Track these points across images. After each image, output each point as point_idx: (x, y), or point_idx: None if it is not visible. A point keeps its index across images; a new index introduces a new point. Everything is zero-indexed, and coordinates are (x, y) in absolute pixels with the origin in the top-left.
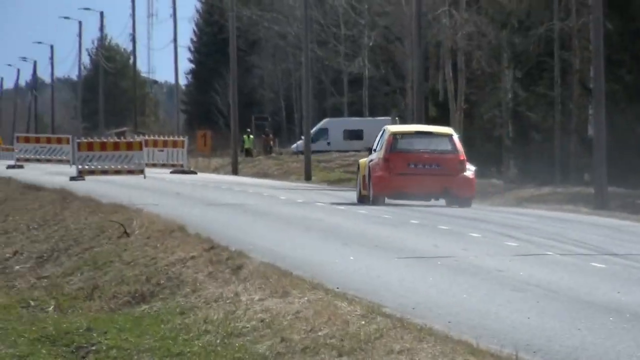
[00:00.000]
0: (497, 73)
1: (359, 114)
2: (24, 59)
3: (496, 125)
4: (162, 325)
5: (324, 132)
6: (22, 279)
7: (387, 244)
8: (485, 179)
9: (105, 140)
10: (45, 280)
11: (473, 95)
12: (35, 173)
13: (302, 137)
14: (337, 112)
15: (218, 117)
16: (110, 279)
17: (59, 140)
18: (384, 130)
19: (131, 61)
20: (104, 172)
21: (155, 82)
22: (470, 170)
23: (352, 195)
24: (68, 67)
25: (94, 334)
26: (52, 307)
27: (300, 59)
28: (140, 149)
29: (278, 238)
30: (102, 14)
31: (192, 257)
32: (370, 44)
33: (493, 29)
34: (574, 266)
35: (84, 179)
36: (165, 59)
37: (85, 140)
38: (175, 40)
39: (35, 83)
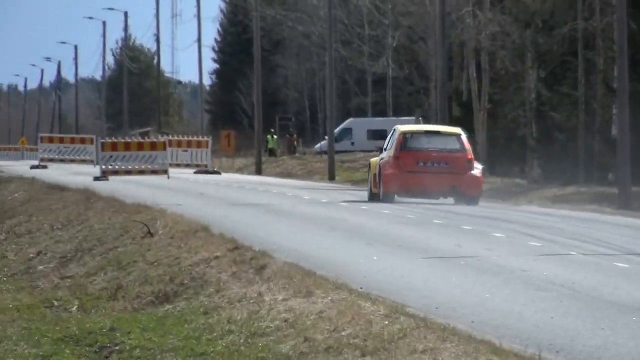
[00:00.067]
0: (520, 73)
1: (383, 114)
2: (48, 59)
3: (520, 125)
4: (186, 325)
5: (347, 132)
6: (45, 279)
7: (410, 243)
8: (509, 179)
9: (129, 140)
10: (69, 280)
11: (497, 95)
12: (59, 173)
13: (326, 137)
14: (361, 112)
15: (242, 117)
16: (133, 278)
17: (83, 141)
18: (394, 129)
19: (155, 61)
20: (128, 172)
21: (179, 82)
22: (477, 168)
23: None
24: (92, 67)
25: (118, 334)
26: (75, 307)
27: (324, 59)
28: (164, 149)
29: (302, 238)
30: (126, 14)
31: (216, 257)
32: (394, 43)
33: (517, 28)
34: (597, 266)
35: (107, 179)
36: (189, 59)
37: (109, 140)
38: (199, 40)
39: (59, 83)
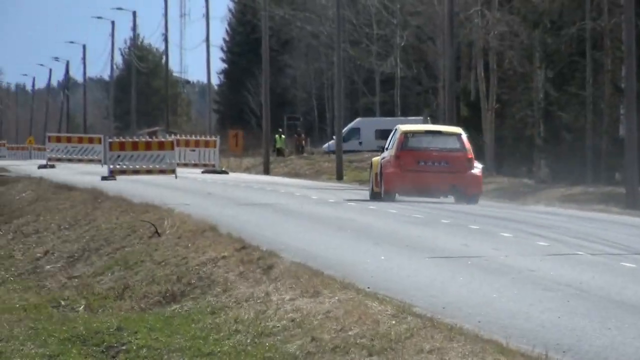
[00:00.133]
0: (528, 73)
1: (391, 113)
2: (56, 58)
3: (527, 125)
4: (193, 325)
5: (355, 131)
6: (53, 279)
7: (417, 243)
8: (517, 179)
9: (137, 140)
10: (76, 279)
11: (505, 94)
12: (67, 173)
13: (334, 137)
14: (369, 112)
15: (250, 116)
16: (141, 278)
17: (91, 140)
18: (396, 129)
19: (163, 61)
20: (136, 171)
21: (188, 81)
22: (477, 168)
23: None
24: (100, 67)
25: (125, 334)
26: (82, 307)
27: (332, 59)
28: (172, 148)
29: (309, 238)
30: (134, 13)
31: (223, 257)
32: (403, 43)
33: (525, 28)
34: (604, 266)
35: (115, 179)
36: (197, 58)
37: (117, 139)
38: (207, 39)
39: (68, 83)
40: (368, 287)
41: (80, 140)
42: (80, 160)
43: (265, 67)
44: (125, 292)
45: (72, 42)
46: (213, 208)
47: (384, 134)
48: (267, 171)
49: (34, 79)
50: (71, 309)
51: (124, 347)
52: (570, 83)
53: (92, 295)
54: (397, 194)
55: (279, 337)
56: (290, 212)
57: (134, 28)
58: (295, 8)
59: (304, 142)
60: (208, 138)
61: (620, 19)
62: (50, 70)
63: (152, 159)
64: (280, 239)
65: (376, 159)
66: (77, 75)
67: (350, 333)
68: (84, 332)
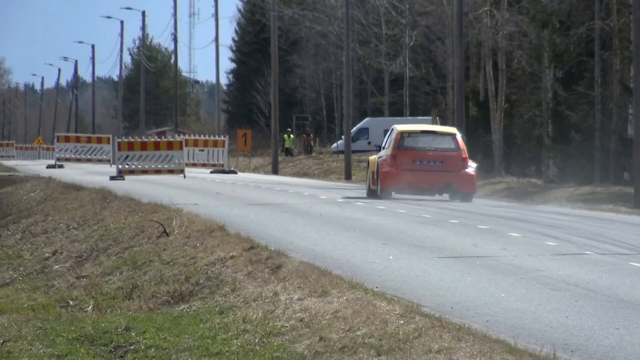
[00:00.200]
0: (537, 73)
1: (400, 113)
2: (65, 58)
3: (536, 124)
4: (201, 325)
5: (364, 131)
6: (61, 279)
7: (426, 243)
8: (525, 178)
9: (145, 139)
10: (85, 279)
11: (513, 94)
12: (75, 172)
13: (343, 137)
14: (377, 112)
15: (259, 116)
16: (149, 278)
17: (99, 140)
18: (392, 129)
19: (172, 61)
20: (144, 171)
21: (197, 81)
22: (471, 167)
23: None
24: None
25: (133, 334)
26: (91, 307)
27: (341, 59)
28: (181, 148)
29: (318, 237)
30: (143, 13)
31: (232, 257)
32: (412, 43)
33: (534, 28)
34: (612, 266)
35: (124, 179)
36: (206, 58)
37: (126, 139)
38: (216, 39)
39: (76, 83)
40: (376, 287)
41: (89, 140)
42: (88, 160)
43: (274, 67)
44: (133, 292)
45: (81, 42)
46: (221, 208)
47: None
48: (275, 171)
49: (42, 78)
50: (79, 308)
51: (132, 347)
52: (578, 83)
53: (101, 295)
54: (393, 192)
55: (287, 337)
56: (299, 212)
57: (143, 28)
58: (304, 8)
59: (312, 142)
60: (217, 138)
61: (629, 18)
62: (59, 70)
63: (161, 158)
64: (288, 239)
65: (373, 157)
66: (85, 75)
67: (358, 333)
68: (92, 332)
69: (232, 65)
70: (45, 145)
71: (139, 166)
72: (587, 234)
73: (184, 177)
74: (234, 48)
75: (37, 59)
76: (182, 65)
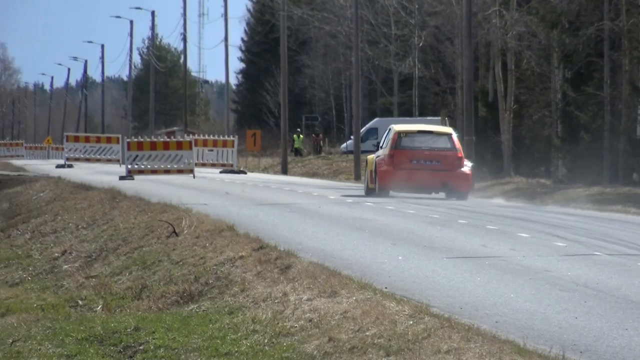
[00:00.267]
0: (546, 73)
1: (409, 114)
2: (75, 58)
3: (545, 125)
4: (210, 325)
5: (373, 131)
6: (70, 279)
7: (435, 243)
8: (534, 179)
9: (155, 139)
10: (94, 279)
11: (522, 95)
12: (85, 172)
13: (352, 137)
14: (387, 112)
15: (268, 116)
16: (158, 278)
17: (109, 140)
18: (390, 129)
19: (182, 60)
20: (154, 171)
21: (206, 81)
22: (467, 166)
23: (403, 195)
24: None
25: (142, 334)
26: (100, 307)
27: (350, 59)
28: (190, 148)
29: (327, 238)
30: (153, 13)
31: (241, 257)
32: (421, 43)
33: (543, 29)
34: (622, 266)
35: (133, 179)
36: (216, 58)
37: (135, 139)
38: (226, 39)
39: (86, 82)
40: (385, 287)
41: (98, 139)
42: (98, 160)
43: (284, 67)
44: (142, 292)
45: (90, 42)
46: (231, 208)
47: None
48: (285, 171)
49: (52, 78)
50: (89, 308)
51: (141, 347)
52: (588, 83)
53: (110, 295)
54: (390, 191)
55: (296, 337)
56: (308, 212)
57: (153, 28)
58: (314, 8)
59: (321, 142)
60: (226, 138)
61: (638, 19)
62: (69, 69)
63: (170, 158)
64: (297, 239)
65: (371, 157)
66: (95, 74)
67: (367, 333)
68: (101, 332)
69: (242, 65)
70: (54, 145)
71: (149, 166)
72: (596, 235)
73: (194, 177)
74: (243, 48)
75: (47, 58)
76: (192, 65)
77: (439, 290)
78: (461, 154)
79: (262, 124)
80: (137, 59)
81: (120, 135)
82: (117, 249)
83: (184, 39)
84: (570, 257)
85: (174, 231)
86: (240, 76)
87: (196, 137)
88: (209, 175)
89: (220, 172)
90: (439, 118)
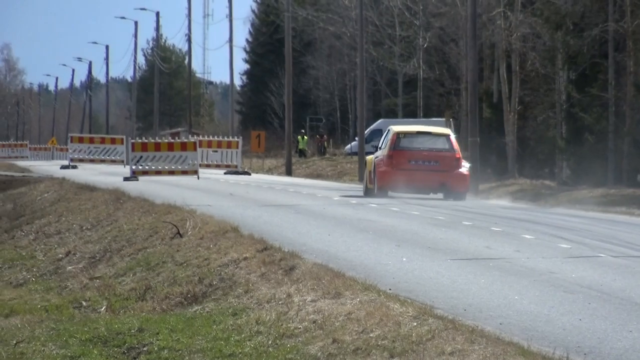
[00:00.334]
0: (551, 74)
1: (414, 115)
2: (79, 59)
3: (550, 126)
4: (214, 326)
5: (378, 133)
6: (74, 280)
7: (440, 245)
8: (539, 180)
9: (159, 140)
10: (98, 280)
11: (527, 96)
12: (89, 173)
13: (356, 138)
14: (391, 113)
15: (273, 117)
16: (162, 279)
17: (113, 141)
18: (389, 130)
19: (186, 61)
20: (158, 172)
21: (210, 82)
22: (465, 167)
23: (402, 196)
24: (123, 67)
25: (146, 335)
26: (104, 308)
27: (355, 60)
28: (195, 149)
29: (331, 239)
30: (157, 14)
31: (245, 258)
32: (425, 45)
33: (547, 30)
34: (626, 268)
35: (137, 180)
36: (220, 59)
37: (140, 140)
38: (230, 40)
39: (90, 83)
40: (389, 289)
41: (103, 140)
42: (102, 161)
43: (288, 68)
44: (146, 293)
45: (95, 43)
46: (235, 209)
47: None
48: (289, 172)
49: (56, 79)
50: (93, 309)
51: (145, 348)
52: (592, 85)
53: (114, 296)
54: (389, 191)
55: (300, 339)
56: (312, 213)
57: (157, 28)
58: (318, 9)
59: (326, 143)
60: (230, 139)
61: None
62: (73, 70)
63: (175, 159)
64: (302, 240)
65: (370, 157)
66: (99, 75)
67: (371, 335)
68: (105, 333)
69: (246, 66)
70: (58, 146)
71: (153, 167)
72: (600, 237)
73: (198, 178)
74: (247, 49)
75: (51, 59)
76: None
77: (443, 292)
78: (459, 154)
79: (267, 125)
80: (141, 59)
81: (124, 136)
82: (121, 250)
83: (189, 40)
84: (574, 259)
85: (178, 232)
86: (244, 77)
87: (200, 138)
88: (213, 176)
89: (225, 173)
90: (444, 119)
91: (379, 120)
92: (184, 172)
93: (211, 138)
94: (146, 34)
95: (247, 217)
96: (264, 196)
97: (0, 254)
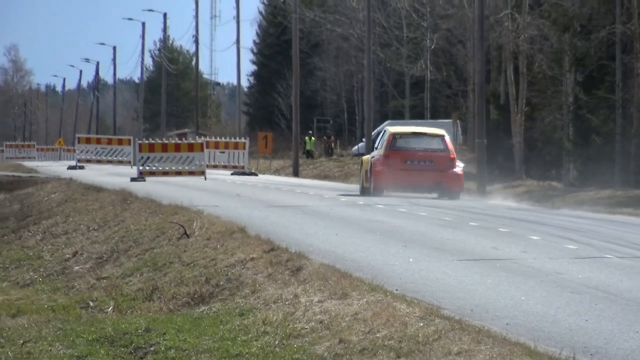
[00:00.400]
0: (558, 76)
1: (421, 116)
2: (87, 60)
3: (557, 128)
4: (221, 326)
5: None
6: (81, 280)
7: (447, 246)
8: (545, 182)
9: (166, 141)
10: (105, 281)
11: (534, 98)
12: (96, 174)
13: (363, 139)
14: (398, 115)
15: (280, 118)
16: (169, 280)
17: (120, 142)
18: (385, 130)
19: (193, 62)
20: (165, 173)
21: (218, 83)
22: (459, 167)
23: (414, 199)
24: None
25: (153, 335)
26: (111, 308)
27: (362, 61)
28: (202, 150)
29: (338, 240)
30: (165, 15)
31: (252, 259)
32: (433, 46)
33: (555, 32)
34: (633, 269)
35: (144, 180)
36: (227, 60)
37: (147, 141)
38: (238, 41)
39: (98, 84)
40: (396, 289)
41: (110, 141)
42: (109, 162)
43: (295, 69)
44: (153, 293)
45: (102, 44)
46: (242, 210)
47: None
48: (296, 173)
49: (64, 80)
50: (100, 309)
51: (152, 348)
52: (599, 87)
53: (121, 296)
54: (385, 190)
55: (307, 339)
56: (319, 214)
57: (165, 30)
58: (326, 10)
59: (333, 144)
60: (237, 140)
61: None
62: (81, 71)
63: (182, 160)
64: (309, 241)
65: (366, 157)
66: (107, 76)
67: (378, 335)
68: (112, 333)
69: (253, 68)
70: (66, 147)
71: (160, 168)
72: (607, 238)
73: (205, 178)
74: (255, 50)
75: (59, 60)
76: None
77: (450, 293)
78: (453, 155)
79: (274, 126)
80: (148, 61)
81: (131, 137)
82: (128, 251)
83: (196, 41)
84: (581, 260)
85: (185, 233)
86: (252, 78)
87: (207, 139)
88: (220, 177)
89: (232, 174)
90: (451, 121)
91: (386, 122)
92: (191, 173)
93: (218, 139)
94: (154, 35)
95: (254, 217)
96: (270, 197)
97: (8, 254)
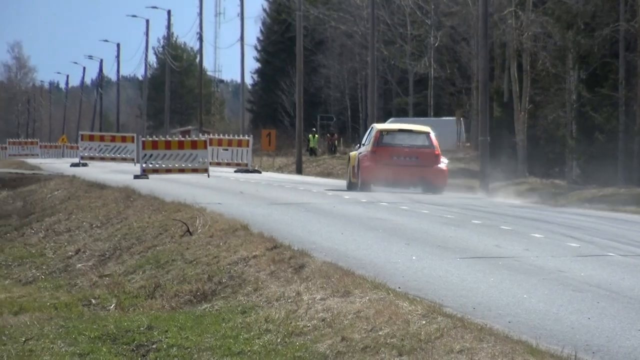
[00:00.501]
0: (561, 74)
1: (424, 114)
2: (90, 57)
3: (560, 125)
4: (223, 324)
5: None
6: (84, 277)
7: (449, 243)
8: (549, 179)
9: (169, 138)
10: (107, 278)
11: (537, 95)
12: (99, 171)
13: None
14: (402, 112)
15: (283, 116)
16: (172, 277)
17: (124, 139)
18: (372, 127)
19: (197, 60)
20: (168, 170)
21: (222, 81)
22: (443, 162)
23: (416, 196)
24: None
25: (155, 333)
26: (113, 305)
27: (366, 59)
28: (205, 147)
29: (341, 237)
30: (169, 12)
31: (255, 256)
32: (436, 44)
33: (559, 29)
34: (635, 267)
35: (147, 178)
36: (231, 57)
37: (150, 138)
38: (242, 39)
39: (101, 81)
40: (399, 287)
41: (113, 138)
42: (112, 159)
43: (299, 67)
44: (156, 291)
45: (106, 41)
46: (245, 207)
47: None
48: (299, 171)
49: (67, 77)
50: (102, 307)
51: (154, 346)
52: (603, 84)
53: (123, 294)
54: (372, 185)
55: (309, 337)
56: (322, 212)
57: (169, 27)
58: (330, 8)
59: (336, 141)
60: (241, 137)
61: None
62: (84, 68)
63: (185, 158)
64: (311, 239)
65: (353, 153)
66: (110, 73)
67: (380, 333)
68: (114, 331)
69: (257, 65)
70: (69, 144)
71: (163, 165)
72: (610, 236)
73: (208, 176)
74: (259, 47)
75: (62, 57)
76: (207, 64)
77: (452, 290)
78: (438, 151)
79: (277, 123)
80: (152, 58)
81: (135, 134)
82: (130, 248)
83: (200, 38)
84: (583, 258)
85: (188, 230)
86: (255, 76)
87: (211, 136)
88: (223, 174)
89: (235, 172)
90: (454, 118)
91: (390, 119)
92: (194, 170)
93: (222, 136)
94: (157, 33)
95: (257, 215)
96: (274, 194)
97: (10, 252)
